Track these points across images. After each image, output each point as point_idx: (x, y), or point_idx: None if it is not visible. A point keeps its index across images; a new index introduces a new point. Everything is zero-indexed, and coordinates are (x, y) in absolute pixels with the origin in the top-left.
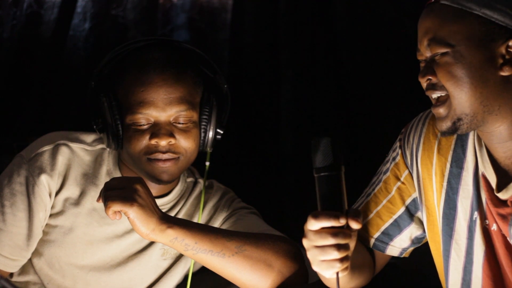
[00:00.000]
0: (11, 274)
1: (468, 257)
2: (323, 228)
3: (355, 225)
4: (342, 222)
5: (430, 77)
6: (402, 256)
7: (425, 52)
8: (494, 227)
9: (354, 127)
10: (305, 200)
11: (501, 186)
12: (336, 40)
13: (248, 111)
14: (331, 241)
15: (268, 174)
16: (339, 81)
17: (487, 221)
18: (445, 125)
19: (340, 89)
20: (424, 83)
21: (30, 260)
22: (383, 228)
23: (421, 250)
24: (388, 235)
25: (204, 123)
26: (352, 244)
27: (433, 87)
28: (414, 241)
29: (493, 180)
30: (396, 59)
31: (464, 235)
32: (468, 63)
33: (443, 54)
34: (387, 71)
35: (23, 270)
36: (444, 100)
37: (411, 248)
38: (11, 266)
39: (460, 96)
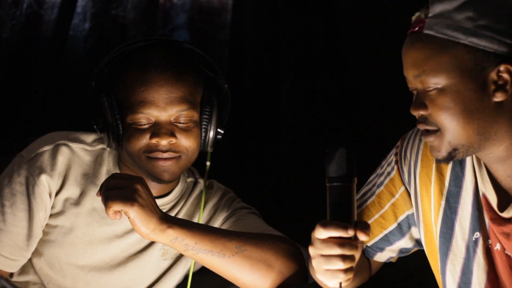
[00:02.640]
0: (11, 274)
1: (464, 278)
2: (330, 237)
3: (363, 237)
4: (350, 233)
5: (421, 112)
6: (389, 261)
7: (414, 84)
8: (497, 247)
9: (355, 126)
10: (305, 200)
11: (503, 205)
12: (336, 40)
13: (248, 111)
14: (338, 251)
15: (268, 174)
16: (339, 81)
17: (489, 241)
18: (440, 155)
19: (341, 89)
20: (415, 115)
21: (30, 260)
22: (373, 241)
23: (419, 250)
24: (378, 248)
25: (204, 123)
26: (357, 255)
27: (424, 120)
28: (403, 251)
29: (493, 200)
30: (398, 59)
31: (462, 255)
32: (461, 95)
33: (434, 88)
34: (388, 71)
35: (23, 270)
36: (434, 131)
37: (399, 256)
38: (11, 266)
39: (455, 129)
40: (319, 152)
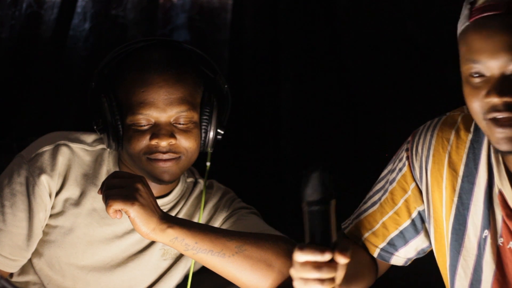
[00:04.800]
0: (11, 274)
1: (476, 275)
2: (308, 261)
3: (341, 260)
4: (327, 257)
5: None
6: (406, 265)
7: (498, 68)
8: (510, 245)
9: (355, 127)
10: None
11: None
12: (337, 40)
13: (248, 112)
14: (315, 275)
15: (268, 174)
16: (340, 81)
17: (501, 239)
18: None
19: (341, 89)
20: (496, 102)
21: (30, 260)
22: (388, 238)
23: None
24: (393, 246)
25: (204, 124)
26: (340, 274)
27: (510, 107)
28: (420, 252)
29: (510, 197)
30: (398, 60)
31: (474, 251)
32: None
33: None
34: (388, 72)
35: (23, 270)
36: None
37: (415, 257)
38: (11, 266)
39: None
40: (319, 152)
